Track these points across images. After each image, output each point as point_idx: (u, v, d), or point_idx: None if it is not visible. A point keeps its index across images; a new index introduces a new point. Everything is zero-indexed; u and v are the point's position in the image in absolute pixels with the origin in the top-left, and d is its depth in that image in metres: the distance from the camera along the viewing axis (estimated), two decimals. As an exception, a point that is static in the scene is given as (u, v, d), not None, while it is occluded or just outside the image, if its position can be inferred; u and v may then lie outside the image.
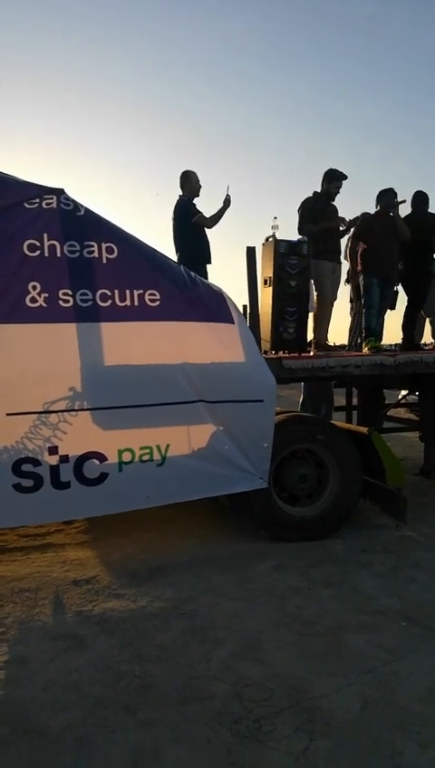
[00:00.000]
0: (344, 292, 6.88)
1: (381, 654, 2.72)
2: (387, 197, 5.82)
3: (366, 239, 5.83)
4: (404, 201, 5.88)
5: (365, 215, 6.25)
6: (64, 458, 3.36)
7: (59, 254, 3.32)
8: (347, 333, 7.21)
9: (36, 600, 3.34)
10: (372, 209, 5.99)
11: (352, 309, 7.15)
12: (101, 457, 3.47)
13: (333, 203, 5.79)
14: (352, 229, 6.07)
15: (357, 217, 6.16)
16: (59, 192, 3.35)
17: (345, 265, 6.52)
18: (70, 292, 3.33)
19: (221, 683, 2.51)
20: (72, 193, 3.41)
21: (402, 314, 6.40)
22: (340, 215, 5.85)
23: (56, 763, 2.05)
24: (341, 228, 5.90)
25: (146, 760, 2.06)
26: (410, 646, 2.79)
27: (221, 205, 5.34)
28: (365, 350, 5.68)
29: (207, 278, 5.09)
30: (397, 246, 5.84)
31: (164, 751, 2.11)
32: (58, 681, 2.54)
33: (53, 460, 3.33)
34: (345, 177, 5.74)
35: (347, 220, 5.92)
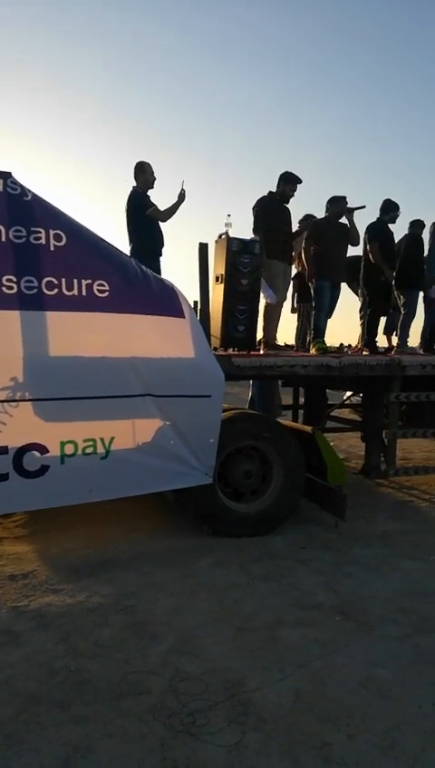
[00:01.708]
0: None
1: (316, 648, 2.78)
2: (339, 204, 6.00)
3: (319, 243, 5.96)
4: (364, 207, 6.06)
5: (308, 216, 6.42)
6: (3, 449, 3.26)
7: (3, 239, 3.21)
8: (294, 333, 7.34)
9: (-30, 595, 3.24)
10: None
11: (294, 309, 7.30)
12: (43, 449, 3.39)
13: (287, 205, 5.87)
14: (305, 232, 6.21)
15: (307, 220, 6.33)
16: (6, 175, 3.24)
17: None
18: (14, 279, 3.23)
19: (157, 678, 2.51)
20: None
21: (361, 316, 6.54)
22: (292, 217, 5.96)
23: (-17, 761, 2.00)
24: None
25: (78, 756, 2.04)
26: (344, 640, 2.86)
27: (176, 199, 5.30)
28: (313, 350, 5.80)
29: (159, 271, 5.05)
30: (346, 251, 6.05)
31: (97, 746, 2.09)
32: (-11, 678, 2.48)
33: (-8, 452, 3.23)
34: (300, 182, 5.85)
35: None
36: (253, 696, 2.39)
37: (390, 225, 6.33)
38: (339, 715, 2.28)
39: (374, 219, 6.27)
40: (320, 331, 5.98)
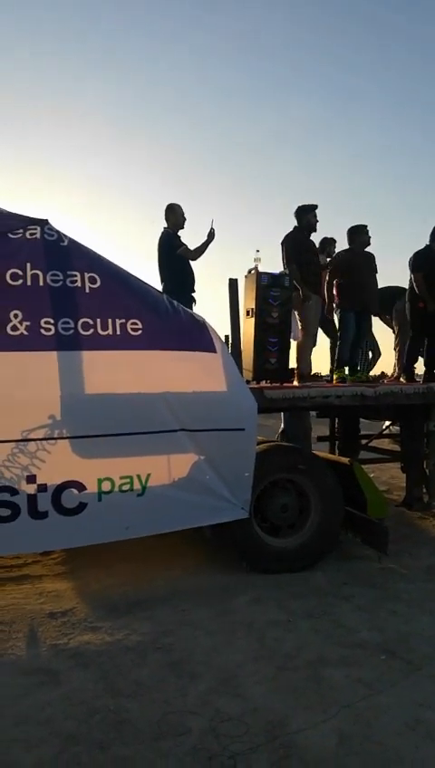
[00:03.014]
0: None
1: (360, 688, 2.69)
2: (363, 233, 6.05)
3: (346, 274, 6.00)
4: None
5: (327, 240, 6.49)
6: (42, 487, 3.33)
7: (41, 284, 3.35)
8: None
9: (10, 633, 3.26)
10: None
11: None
12: (80, 487, 3.44)
13: (312, 237, 5.99)
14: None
15: (326, 243, 6.42)
16: (43, 222, 3.41)
17: None
18: (52, 321, 3.35)
19: (197, 718, 2.46)
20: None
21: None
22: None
23: (24, 802, 1.99)
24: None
25: (117, 799, 2.01)
26: (390, 680, 2.76)
27: (205, 238, 5.45)
28: (334, 380, 5.81)
29: (191, 307, 5.16)
30: (375, 280, 6.08)
31: (136, 789, 2.05)
32: (30, 716, 2.48)
33: (31, 489, 3.30)
34: (316, 207, 5.94)
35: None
36: (295, 738, 2.31)
37: None
38: (386, 759, 2.18)
39: (423, 246, 6.16)
40: (343, 362, 6.00)
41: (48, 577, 4.16)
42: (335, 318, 6.25)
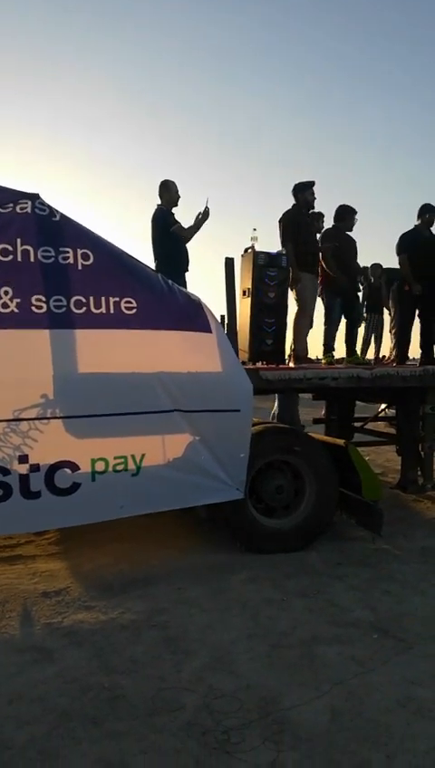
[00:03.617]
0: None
1: (353, 666, 2.70)
2: (353, 216, 6.04)
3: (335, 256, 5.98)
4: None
5: (318, 215, 6.37)
6: (35, 467, 3.30)
7: (32, 260, 3.28)
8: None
9: (3, 612, 3.26)
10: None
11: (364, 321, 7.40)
12: (74, 467, 3.41)
13: (309, 214, 5.92)
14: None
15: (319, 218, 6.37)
16: (34, 197, 3.33)
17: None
18: (43, 298, 3.29)
19: (191, 694, 2.47)
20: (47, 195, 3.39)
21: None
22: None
23: (18, 777, 1.99)
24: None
25: (111, 772, 2.02)
26: (382, 658, 2.78)
27: (199, 216, 5.36)
28: (323, 364, 5.83)
29: (185, 286, 5.10)
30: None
31: (131, 762, 2.07)
32: (24, 694, 2.49)
33: (23, 469, 3.27)
34: (313, 183, 5.87)
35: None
36: (289, 714, 2.33)
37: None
38: (378, 735, 2.20)
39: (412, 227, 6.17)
40: (329, 346, 6.05)
41: (41, 557, 4.16)
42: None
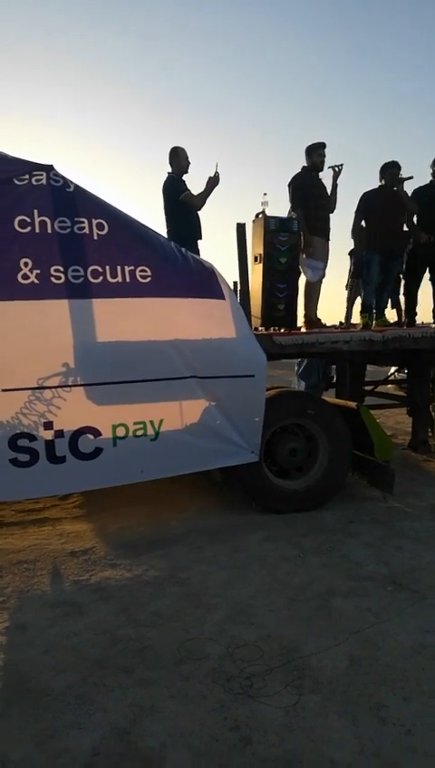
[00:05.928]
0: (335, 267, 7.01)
1: (369, 616, 2.84)
2: (392, 170, 5.83)
3: (369, 215, 5.84)
4: (411, 177, 5.86)
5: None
6: (59, 433, 3.41)
7: (50, 231, 3.32)
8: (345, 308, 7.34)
9: (35, 570, 3.43)
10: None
11: (348, 284, 7.28)
12: (96, 432, 3.53)
13: (321, 177, 5.79)
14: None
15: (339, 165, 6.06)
16: (48, 168, 3.35)
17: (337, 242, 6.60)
18: (61, 269, 3.35)
19: (215, 644, 2.62)
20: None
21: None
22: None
23: (58, 720, 2.15)
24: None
25: (144, 715, 2.17)
26: (396, 608, 2.91)
27: (209, 182, 5.31)
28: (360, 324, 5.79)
29: (198, 254, 5.10)
30: (402, 221, 5.91)
31: (161, 707, 2.21)
32: (58, 645, 2.64)
33: (49, 435, 3.39)
34: (325, 145, 5.72)
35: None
36: (308, 661, 2.47)
37: None
38: (394, 679, 2.33)
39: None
40: (366, 306, 5.93)
41: (67, 519, 4.32)
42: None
